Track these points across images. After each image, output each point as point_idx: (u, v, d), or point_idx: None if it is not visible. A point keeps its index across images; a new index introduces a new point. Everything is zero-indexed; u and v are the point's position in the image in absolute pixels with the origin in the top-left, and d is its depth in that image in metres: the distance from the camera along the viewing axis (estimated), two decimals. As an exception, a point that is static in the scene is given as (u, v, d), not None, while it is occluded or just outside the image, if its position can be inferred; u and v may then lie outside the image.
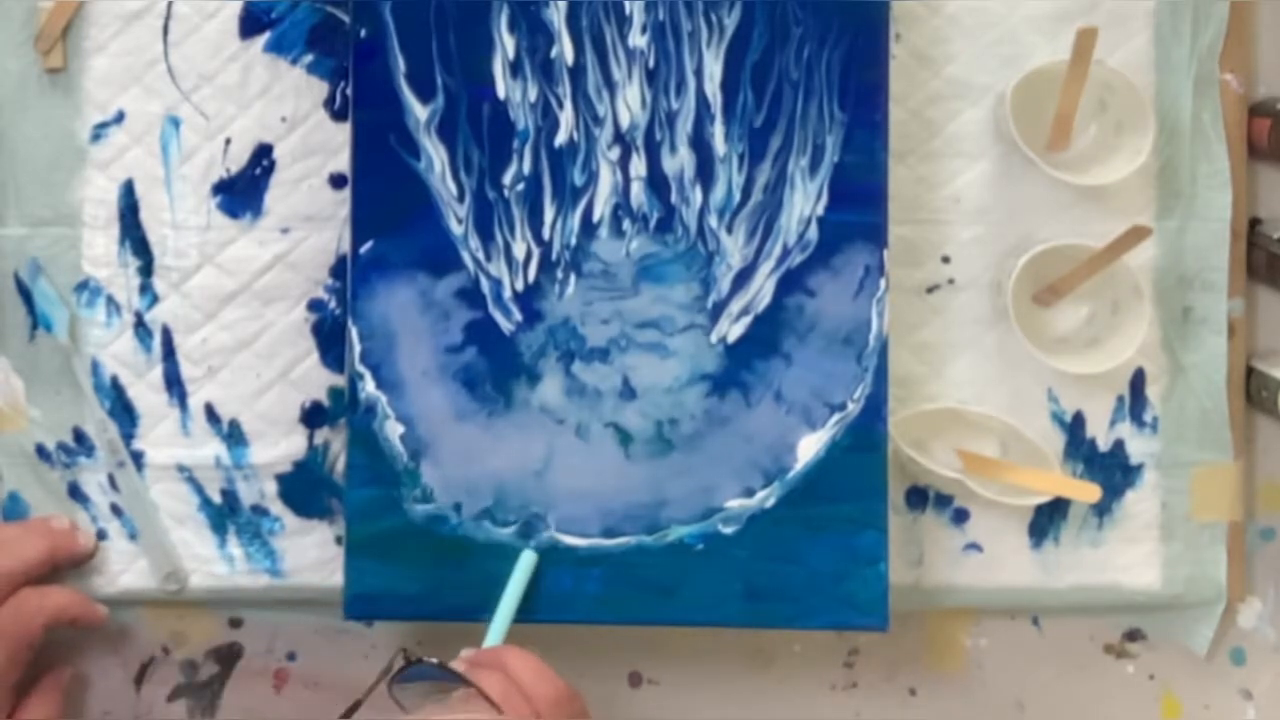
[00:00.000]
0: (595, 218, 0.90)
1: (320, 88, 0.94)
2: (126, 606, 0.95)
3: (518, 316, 0.90)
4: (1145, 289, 0.92)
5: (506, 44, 0.90)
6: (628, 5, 0.90)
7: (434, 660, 0.81)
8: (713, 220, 0.90)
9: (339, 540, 0.92)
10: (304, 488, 0.94)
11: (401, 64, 0.90)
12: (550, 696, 0.81)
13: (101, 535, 0.94)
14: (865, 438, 0.89)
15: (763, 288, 0.90)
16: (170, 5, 0.94)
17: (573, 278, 0.90)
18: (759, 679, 0.97)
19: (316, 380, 0.94)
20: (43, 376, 0.94)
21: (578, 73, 0.90)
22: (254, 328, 0.94)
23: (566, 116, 0.90)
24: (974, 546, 0.95)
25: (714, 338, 0.90)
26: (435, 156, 0.90)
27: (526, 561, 0.89)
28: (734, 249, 0.90)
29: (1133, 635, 0.97)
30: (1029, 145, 0.90)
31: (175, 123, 0.94)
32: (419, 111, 0.90)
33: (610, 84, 0.90)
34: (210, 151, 0.94)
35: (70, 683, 0.94)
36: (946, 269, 0.94)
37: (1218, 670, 0.97)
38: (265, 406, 0.94)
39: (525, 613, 0.89)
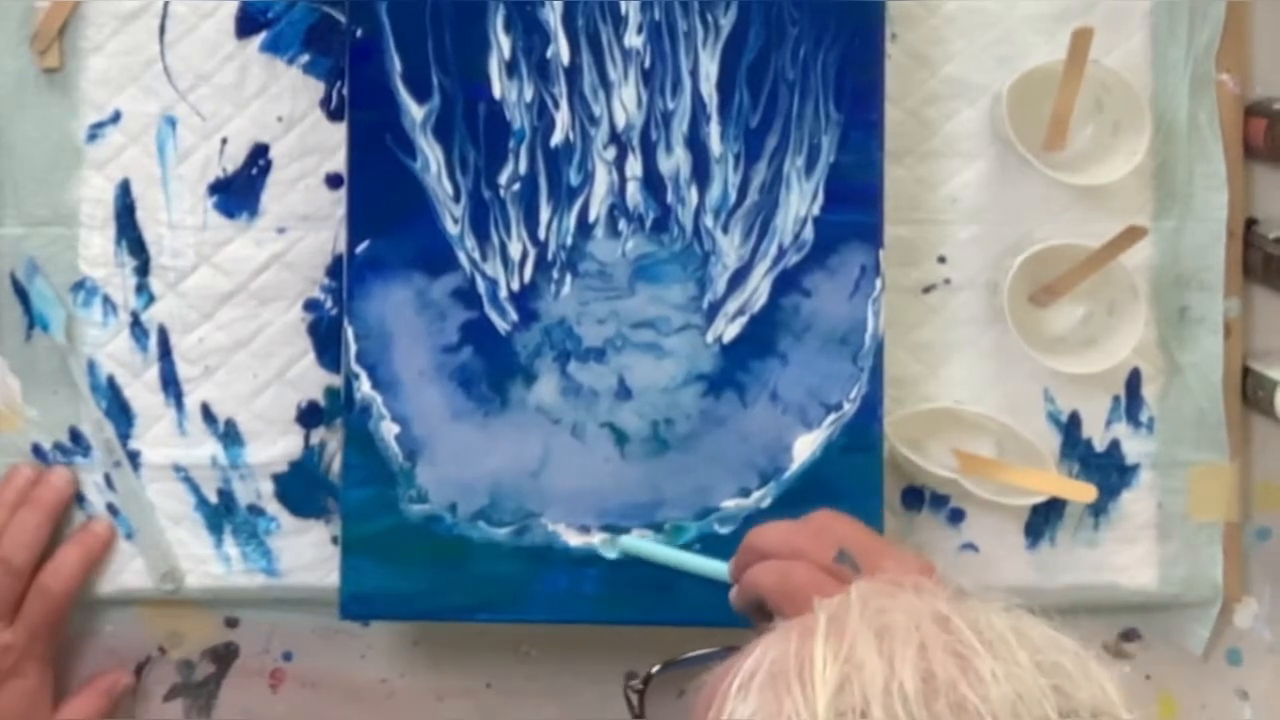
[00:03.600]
0: (591, 218, 0.90)
1: (317, 88, 0.94)
2: (123, 606, 0.95)
3: (514, 316, 0.90)
4: (1142, 289, 0.92)
5: (502, 44, 0.90)
6: (623, 5, 0.90)
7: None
8: (709, 220, 0.90)
9: (335, 540, 0.92)
10: (300, 487, 0.94)
11: (398, 64, 0.90)
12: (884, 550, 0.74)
13: (98, 535, 0.94)
14: (861, 438, 0.89)
15: (758, 288, 0.90)
16: (167, 5, 0.93)
17: (568, 278, 0.90)
18: (755, 679, 0.96)
19: (313, 380, 0.94)
20: (39, 376, 0.94)
21: (574, 73, 0.90)
22: (250, 327, 0.94)
23: (562, 116, 0.90)
24: (970, 546, 0.94)
25: (710, 338, 0.90)
26: (431, 156, 0.90)
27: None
28: (730, 249, 0.90)
29: (1129, 635, 0.97)
30: (1026, 145, 0.90)
31: (172, 122, 0.94)
32: (415, 111, 0.90)
33: (606, 84, 0.90)
34: (207, 151, 0.94)
35: (123, 692, 0.94)
36: (943, 269, 0.94)
37: (1214, 670, 0.97)
38: (262, 406, 0.94)
39: (522, 613, 0.89)
